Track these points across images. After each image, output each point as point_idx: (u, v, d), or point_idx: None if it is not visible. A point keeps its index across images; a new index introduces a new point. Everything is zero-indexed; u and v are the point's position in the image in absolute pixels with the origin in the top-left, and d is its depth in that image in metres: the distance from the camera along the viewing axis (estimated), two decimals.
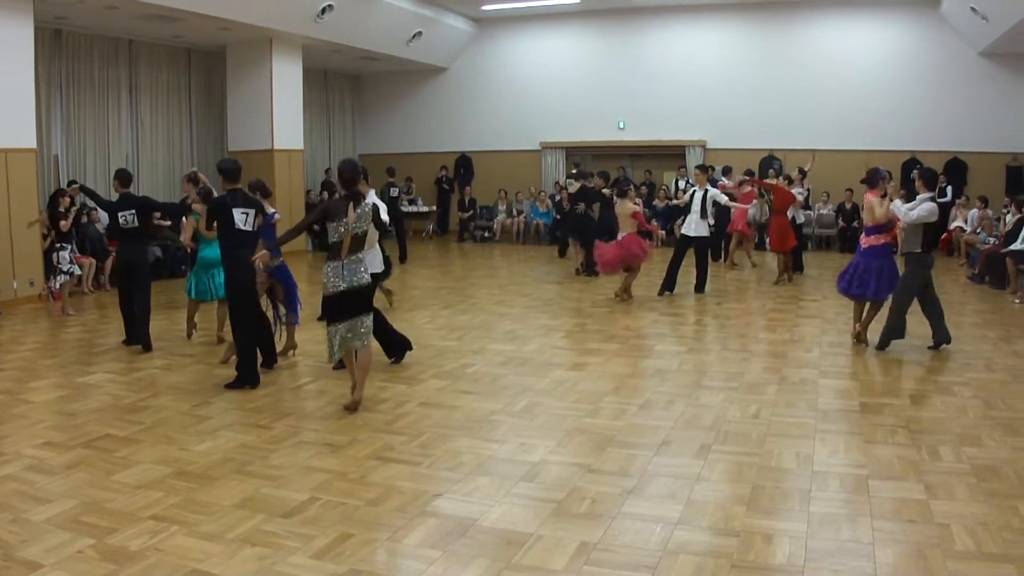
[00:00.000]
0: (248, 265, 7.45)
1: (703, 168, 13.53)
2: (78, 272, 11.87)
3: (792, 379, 7.93)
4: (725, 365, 8.59)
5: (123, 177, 9.53)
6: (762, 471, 5.54)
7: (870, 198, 9.08)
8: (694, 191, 13.00)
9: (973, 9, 15.68)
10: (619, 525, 4.71)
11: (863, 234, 9.33)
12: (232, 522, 4.78)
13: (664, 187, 20.48)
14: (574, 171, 17.31)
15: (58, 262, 11.33)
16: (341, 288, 6.86)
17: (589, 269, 14.90)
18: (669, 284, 12.79)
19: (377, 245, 8.31)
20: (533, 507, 4.99)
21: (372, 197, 7.63)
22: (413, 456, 5.92)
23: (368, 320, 7.06)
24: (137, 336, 9.29)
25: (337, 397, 7.37)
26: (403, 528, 4.71)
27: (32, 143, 12.71)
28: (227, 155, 18.13)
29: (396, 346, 8.56)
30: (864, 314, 9.32)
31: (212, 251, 9.16)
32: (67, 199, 11.59)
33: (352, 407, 7.01)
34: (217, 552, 4.41)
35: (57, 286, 11.39)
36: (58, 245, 11.36)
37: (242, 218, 7.70)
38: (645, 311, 11.58)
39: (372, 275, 7.42)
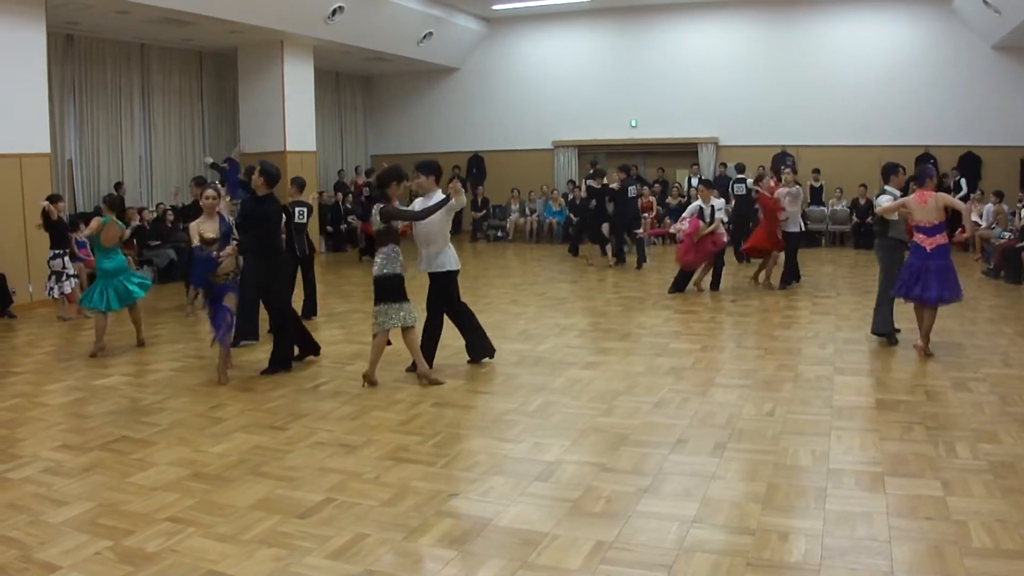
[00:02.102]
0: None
1: (708, 183, 13.35)
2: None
3: (807, 376, 7.90)
4: (739, 363, 8.58)
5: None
6: (777, 469, 5.52)
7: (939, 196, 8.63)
8: (699, 208, 12.81)
9: (985, 2, 15.60)
10: (634, 524, 4.70)
11: (922, 235, 8.49)
12: (248, 523, 4.79)
13: (677, 185, 20.47)
14: (591, 170, 17.37)
15: (64, 267, 11.31)
16: (397, 272, 7.61)
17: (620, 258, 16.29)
18: (680, 284, 12.77)
19: (445, 240, 8.15)
20: (548, 506, 4.99)
21: (437, 195, 7.94)
22: (428, 456, 5.93)
23: (397, 304, 7.58)
24: (308, 347, 8.95)
25: (352, 398, 7.39)
26: (418, 528, 4.71)
27: (46, 148, 12.78)
28: (240, 158, 18.24)
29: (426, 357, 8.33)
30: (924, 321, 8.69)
31: (113, 261, 9.35)
32: (61, 204, 11.49)
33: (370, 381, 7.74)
34: (233, 553, 4.42)
35: (67, 290, 11.38)
36: (58, 252, 11.30)
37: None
38: (659, 309, 11.56)
39: (448, 272, 8.14)
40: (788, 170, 13.40)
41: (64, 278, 11.34)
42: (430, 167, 8.12)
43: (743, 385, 7.63)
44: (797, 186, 12.96)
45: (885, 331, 9.09)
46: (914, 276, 8.41)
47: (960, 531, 4.48)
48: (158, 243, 15.42)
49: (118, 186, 15.77)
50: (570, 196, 20.33)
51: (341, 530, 4.69)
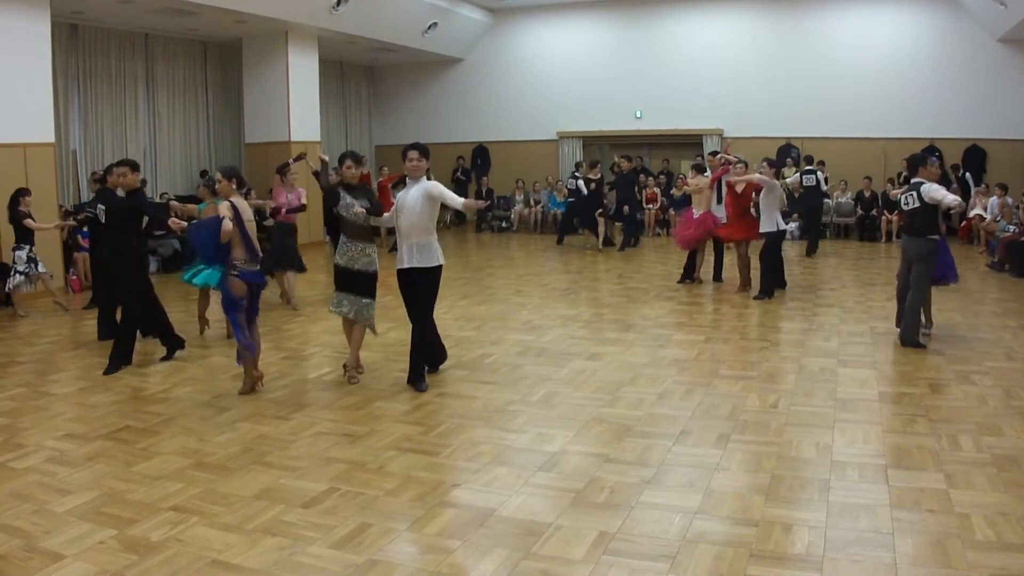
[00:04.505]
0: None
1: (715, 153, 13.49)
2: (42, 271, 11.40)
3: (811, 368, 7.89)
4: (743, 354, 8.57)
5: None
6: (781, 461, 5.52)
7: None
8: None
9: None
10: (638, 515, 4.71)
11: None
12: (251, 513, 4.81)
13: (682, 176, 20.40)
14: (615, 161, 17.81)
15: (14, 262, 11.16)
16: (339, 263, 7.55)
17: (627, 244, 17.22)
18: (689, 272, 12.81)
19: (429, 232, 7.33)
20: (551, 497, 5.00)
21: (423, 182, 7.24)
22: (431, 446, 5.94)
23: (364, 301, 7.46)
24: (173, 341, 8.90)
25: (356, 388, 7.40)
26: (421, 518, 4.72)
27: (50, 137, 12.77)
28: (244, 148, 18.26)
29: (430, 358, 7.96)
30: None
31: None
32: (28, 199, 11.26)
33: (348, 368, 7.68)
34: (237, 543, 4.43)
35: (9, 287, 11.24)
36: (21, 244, 11.17)
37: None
38: (663, 300, 11.55)
39: (440, 266, 7.35)
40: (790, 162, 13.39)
41: (12, 273, 11.12)
42: (426, 150, 7.34)
43: (747, 377, 7.63)
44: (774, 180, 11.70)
45: (915, 340, 8.66)
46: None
47: (963, 524, 4.49)
48: (163, 232, 15.42)
49: (203, 173, 15.79)
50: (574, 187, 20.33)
51: (344, 520, 4.70)
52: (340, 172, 7.62)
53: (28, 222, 10.99)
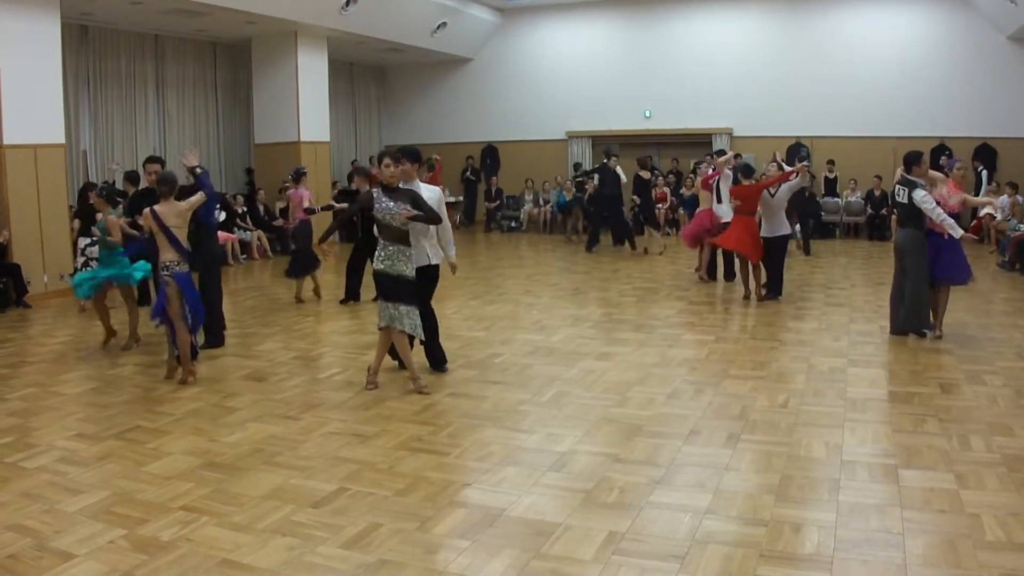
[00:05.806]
0: None
1: (721, 152, 13.58)
2: None
3: (821, 368, 7.88)
4: (753, 354, 8.56)
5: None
6: (791, 460, 5.51)
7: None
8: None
9: None
10: (647, 515, 4.71)
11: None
12: (262, 512, 4.81)
13: (691, 175, 20.39)
14: (609, 158, 17.39)
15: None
16: (379, 268, 7.17)
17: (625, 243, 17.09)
18: (709, 270, 12.91)
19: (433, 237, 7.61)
20: (561, 497, 5.00)
21: (417, 184, 7.42)
22: (442, 446, 5.94)
23: (404, 308, 7.11)
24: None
25: (366, 388, 7.40)
26: (432, 518, 4.72)
27: (61, 138, 12.79)
28: (253, 148, 18.29)
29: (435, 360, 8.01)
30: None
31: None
32: (94, 193, 11.47)
33: (415, 379, 7.37)
34: (247, 542, 4.44)
35: None
36: (94, 239, 11.30)
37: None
38: (672, 300, 11.54)
39: (431, 267, 7.57)
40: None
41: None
42: (417, 154, 7.50)
43: (757, 376, 7.61)
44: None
45: (918, 328, 8.88)
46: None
47: (973, 524, 4.47)
48: None
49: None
50: (585, 186, 20.20)
51: (354, 520, 4.70)
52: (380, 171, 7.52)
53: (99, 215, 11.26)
